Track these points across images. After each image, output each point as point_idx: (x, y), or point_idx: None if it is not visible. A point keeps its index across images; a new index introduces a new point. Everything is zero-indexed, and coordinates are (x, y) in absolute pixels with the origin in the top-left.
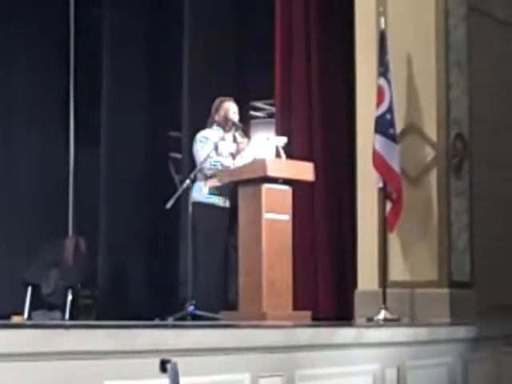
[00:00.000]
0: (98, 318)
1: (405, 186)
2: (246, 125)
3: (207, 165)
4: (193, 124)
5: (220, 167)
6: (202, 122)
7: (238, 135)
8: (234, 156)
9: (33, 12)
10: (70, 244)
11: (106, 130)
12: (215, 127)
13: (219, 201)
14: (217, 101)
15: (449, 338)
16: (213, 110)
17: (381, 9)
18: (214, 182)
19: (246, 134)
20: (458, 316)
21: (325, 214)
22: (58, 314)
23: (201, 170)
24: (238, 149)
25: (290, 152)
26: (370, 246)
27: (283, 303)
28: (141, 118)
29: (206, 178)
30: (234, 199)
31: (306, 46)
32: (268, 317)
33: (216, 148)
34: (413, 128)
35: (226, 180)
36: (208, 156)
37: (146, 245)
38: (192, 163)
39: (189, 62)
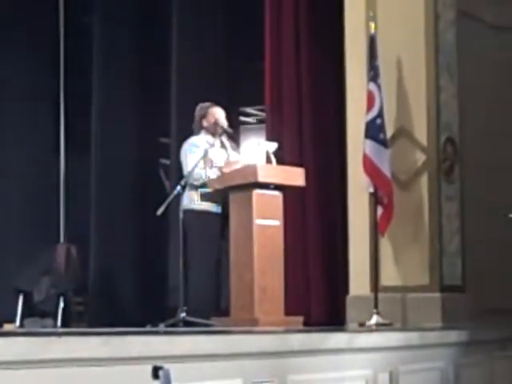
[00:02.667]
0: (89, 325)
1: (395, 191)
2: (236, 131)
3: (194, 176)
4: (182, 130)
5: (205, 177)
6: (191, 129)
7: (225, 140)
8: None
9: (22, 18)
10: (61, 251)
11: (96, 137)
12: (203, 134)
13: (211, 207)
14: (199, 107)
15: (441, 342)
16: (197, 116)
17: (370, 14)
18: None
19: (236, 139)
20: (449, 320)
21: (316, 220)
22: (49, 321)
23: (188, 180)
24: (227, 153)
25: (281, 157)
26: (362, 251)
27: (275, 309)
28: (130, 124)
29: (195, 187)
30: (226, 205)
31: (295, 51)
32: (260, 322)
33: (205, 155)
34: (403, 132)
35: (218, 186)
36: (196, 165)
37: (137, 251)
38: (181, 169)
39: (178, 67)
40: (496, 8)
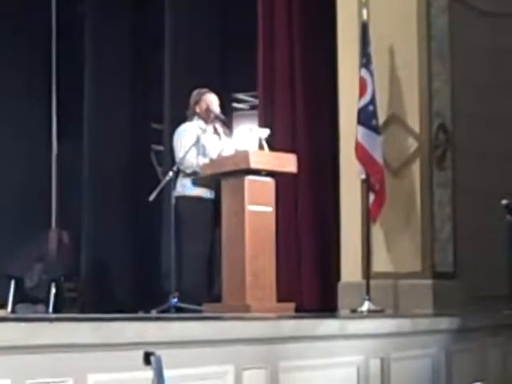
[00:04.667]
0: (81, 311)
1: (388, 177)
2: (228, 117)
3: (186, 162)
4: (174, 116)
5: (196, 167)
6: (184, 115)
7: (218, 126)
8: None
9: (14, 10)
10: (53, 237)
11: (88, 122)
12: (196, 119)
13: (204, 193)
14: (195, 93)
15: (432, 329)
16: (192, 102)
17: (363, 0)
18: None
19: (229, 125)
20: (441, 307)
21: (308, 206)
22: (41, 307)
23: (180, 167)
24: (220, 139)
25: (273, 144)
26: (354, 238)
27: (267, 295)
28: (123, 110)
29: (187, 174)
30: (218, 191)
31: (288, 37)
32: (252, 309)
33: (198, 141)
34: (395, 119)
35: (210, 172)
36: (188, 152)
37: (130, 237)
38: (174, 156)
39: (171, 53)
40: None
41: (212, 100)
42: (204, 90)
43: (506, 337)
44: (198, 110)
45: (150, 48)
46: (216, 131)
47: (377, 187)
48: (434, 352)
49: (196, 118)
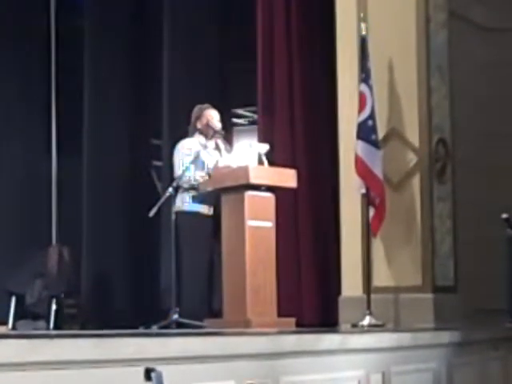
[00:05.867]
0: (82, 327)
1: (388, 192)
2: (228, 132)
3: (185, 178)
4: (173, 132)
5: (195, 182)
6: (183, 130)
7: (220, 142)
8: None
9: (14, 21)
10: (53, 253)
11: (88, 138)
12: (197, 135)
13: (203, 209)
14: (196, 108)
15: (433, 342)
16: (193, 117)
17: (361, 15)
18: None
19: (229, 141)
20: (442, 321)
21: (308, 221)
22: (42, 323)
23: (179, 182)
24: (221, 155)
25: (273, 159)
26: (354, 252)
27: (267, 310)
28: (122, 126)
29: (187, 189)
30: (217, 207)
31: (287, 52)
32: (252, 324)
33: (197, 156)
34: (395, 134)
35: (209, 188)
36: (187, 168)
37: (130, 253)
38: (173, 171)
39: (169, 69)
40: (487, 9)
41: (213, 115)
42: (205, 105)
43: (507, 350)
44: (198, 125)
45: (149, 63)
46: (217, 147)
47: (377, 202)
48: (435, 366)
49: (197, 133)
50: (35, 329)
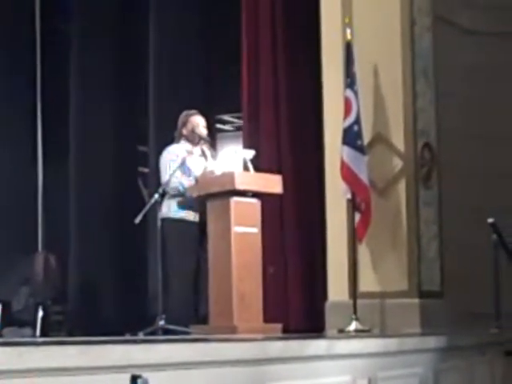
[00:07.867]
0: (69, 334)
1: (373, 197)
2: (213, 138)
3: (171, 185)
4: (160, 138)
5: (181, 188)
6: (169, 136)
7: (206, 149)
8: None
9: None
10: (40, 260)
11: (74, 145)
12: (183, 141)
13: (189, 215)
14: (183, 115)
15: (420, 348)
16: (180, 124)
17: (346, 20)
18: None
19: (214, 147)
20: (428, 326)
21: (294, 226)
22: (28, 330)
23: (165, 189)
24: (206, 162)
25: (258, 165)
26: (340, 258)
27: (254, 316)
28: (109, 132)
29: (173, 196)
30: (203, 213)
31: (272, 58)
32: (239, 330)
33: (183, 163)
34: (380, 139)
35: (195, 194)
36: (173, 174)
37: (116, 260)
38: (159, 178)
39: (155, 75)
40: (472, 13)
41: (199, 122)
42: (192, 111)
43: (494, 355)
44: (184, 131)
45: (134, 70)
46: (203, 153)
47: (362, 207)
48: (422, 371)
49: (183, 139)
50: (22, 336)
